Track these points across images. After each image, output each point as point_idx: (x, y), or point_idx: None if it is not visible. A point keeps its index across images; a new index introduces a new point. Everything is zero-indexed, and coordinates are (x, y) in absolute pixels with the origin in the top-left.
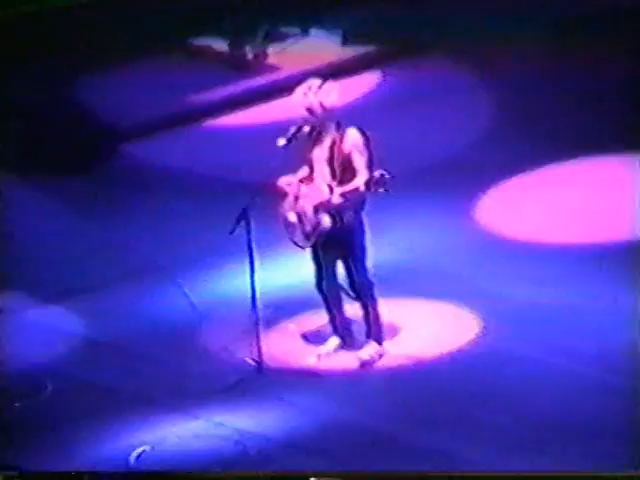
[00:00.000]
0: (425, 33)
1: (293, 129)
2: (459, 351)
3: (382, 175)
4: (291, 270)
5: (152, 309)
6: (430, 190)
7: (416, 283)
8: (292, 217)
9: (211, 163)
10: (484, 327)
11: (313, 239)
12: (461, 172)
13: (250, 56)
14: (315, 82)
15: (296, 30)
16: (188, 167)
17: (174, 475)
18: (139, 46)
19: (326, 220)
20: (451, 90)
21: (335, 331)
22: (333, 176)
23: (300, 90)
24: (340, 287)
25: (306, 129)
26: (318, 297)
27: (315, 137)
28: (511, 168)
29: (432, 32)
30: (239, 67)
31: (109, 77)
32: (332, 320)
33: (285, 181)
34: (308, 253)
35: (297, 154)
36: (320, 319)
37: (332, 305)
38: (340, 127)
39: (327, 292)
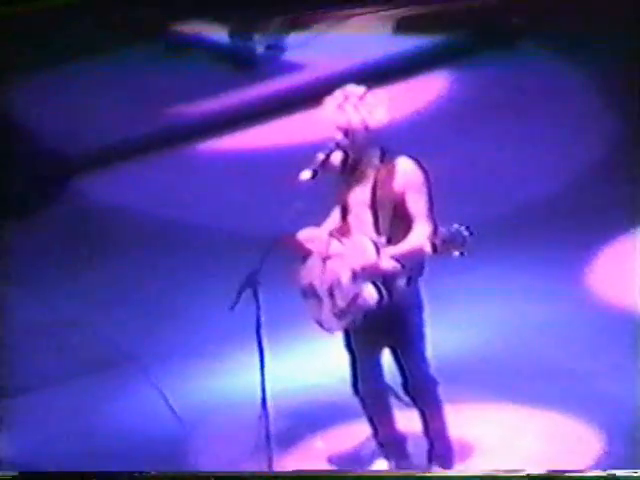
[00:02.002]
0: (511, 14)
1: (321, 157)
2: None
3: (457, 231)
4: (317, 363)
5: (115, 419)
6: (517, 247)
7: (498, 381)
8: (318, 287)
9: (203, 205)
10: (605, 445)
11: (348, 320)
12: (563, 221)
13: (260, 51)
14: (355, 90)
15: (326, 14)
16: (169, 211)
17: (174, 475)
18: (101, 37)
19: (370, 293)
20: (553, 100)
21: (382, 452)
22: (377, 228)
23: (332, 102)
24: (387, 388)
25: (338, 157)
26: (355, 402)
27: (350, 170)
28: (632, 215)
29: (522, 13)
30: (245, 67)
31: (51, 83)
32: (376, 436)
33: (308, 235)
34: (339, 339)
35: (326, 194)
36: (359, 434)
37: (375, 414)
38: (386, 156)
39: (367, 395)
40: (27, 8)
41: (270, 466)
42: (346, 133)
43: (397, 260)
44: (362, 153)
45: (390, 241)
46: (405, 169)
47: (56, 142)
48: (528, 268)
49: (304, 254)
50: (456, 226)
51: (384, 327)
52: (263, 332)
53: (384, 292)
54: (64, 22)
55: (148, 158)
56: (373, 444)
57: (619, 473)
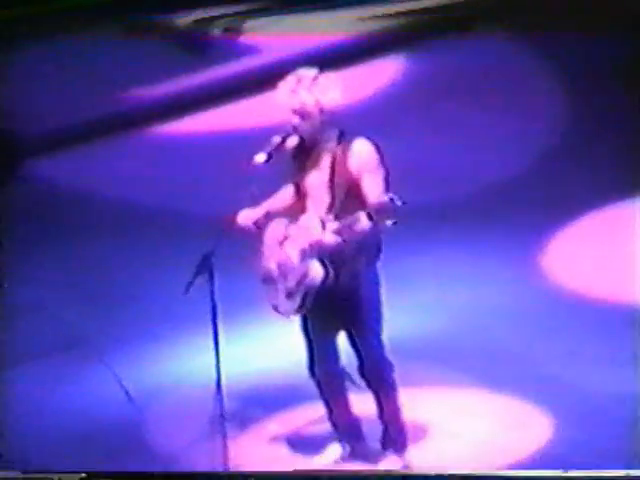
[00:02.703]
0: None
1: (276, 140)
2: (519, 463)
3: (391, 200)
4: (273, 345)
5: (70, 402)
6: (473, 231)
7: (453, 365)
8: (272, 268)
9: (159, 188)
10: (555, 427)
11: (299, 300)
12: (519, 205)
13: (216, 34)
14: (308, 73)
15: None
16: (123, 195)
17: (175, 475)
18: (58, 19)
19: (316, 270)
20: (506, 83)
21: (337, 435)
22: (331, 207)
23: (286, 85)
24: (343, 371)
25: (294, 140)
26: (311, 385)
27: (307, 152)
28: (588, 199)
29: None
30: (199, 50)
31: (7, 64)
32: (332, 419)
33: (252, 215)
34: (294, 322)
35: (282, 176)
36: (313, 416)
37: (331, 397)
38: (343, 137)
39: (323, 378)
40: None
41: (225, 448)
42: (301, 116)
43: (338, 233)
44: (318, 135)
45: (338, 218)
46: (361, 150)
47: (11, 124)
48: (483, 251)
49: (259, 239)
50: (390, 195)
51: (339, 308)
52: (218, 315)
53: (330, 269)
54: (21, 5)
55: (103, 141)
56: (328, 426)
57: (634, 473)
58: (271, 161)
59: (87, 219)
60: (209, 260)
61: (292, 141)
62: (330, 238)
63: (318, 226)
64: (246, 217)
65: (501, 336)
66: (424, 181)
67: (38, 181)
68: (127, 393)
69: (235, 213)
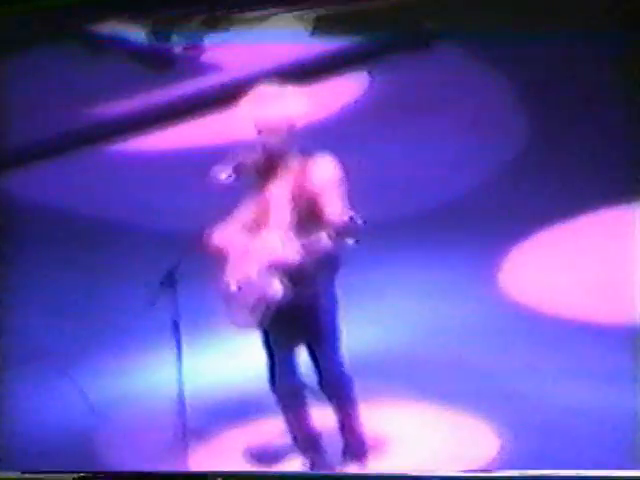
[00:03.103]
0: (427, 17)
1: (238, 157)
2: (469, 475)
3: (351, 219)
4: (235, 359)
5: (34, 415)
6: (431, 245)
7: (411, 379)
8: (233, 287)
9: (120, 203)
10: (503, 443)
11: (258, 316)
12: (477, 219)
13: (178, 50)
14: (270, 89)
15: (245, 14)
16: (88, 209)
17: (175, 475)
18: (19, 35)
19: (275, 287)
20: (463, 100)
21: (297, 447)
22: (291, 223)
23: (249, 99)
24: (303, 385)
25: (256, 154)
26: (272, 398)
27: (270, 166)
28: (546, 214)
29: (437, 15)
30: (162, 65)
31: None
32: (292, 432)
33: (223, 235)
34: (256, 336)
35: (243, 192)
36: (275, 430)
37: (291, 411)
38: (305, 153)
39: (283, 392)
40: None
41: (185, 461)
42: (264, 131)
43: (303, 252)
44: (279, 151)
45: (300, 236)
46: (321, 167)
47: None
48: (442, 266)
49: (222, 255)
50: (350, 214)
51: (299, 323)
52: (181, 328)
53: (289, 286)
54: None
55: (66, 156)
56: (288, 439)
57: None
58: (233, 176)
59: (51, 232)
60: (173, 274)
61: (254, 155)
62: (290, 256)
63: (279, 243)
64: (218, 237)
65: (460, 351)
66: (385, 196)
67: (1, 195)
68: (90, 405)
69: (199, 228)
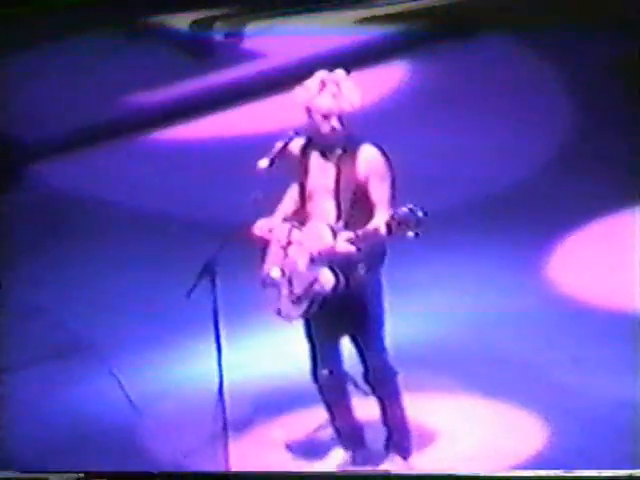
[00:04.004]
0: (472, 4)
1: (279, 145)
2: (518, 469)
3: (411, 211)
4: (274, 350)
5: (73, 406)
6: (478, 237)
7: (454, 372)
8: (275, 274)
9: (159, 193)
10: (548, 436)
11: (305, 306)
12: (525, 210)
13: (219, 38)
14: (333, 75)
15: (287, 1)
16: (126, 200)
17: (176, 475)
18: (60, 25)
19: (326, 277)
20: (513, 89)
21: (339, 440)
22: (339, 214)
23: (309, 85)
24: (346, 376)
25: (301, 141)
26: (313, 389)
27: (314, 154)
28: (593, 206)
29: (482, 5)
30: (202, 54)
31: (9, 69)
32: (334, 424)
33: (265, 225)
34: (296, 327)
35: (285, 182)
36: (316, 421)
37: (333, 402)
38: (350, 142)
39: (326, 383)
40: None
41: (226, 454)
42: (315, 118)
43: (353, 243)
44: (326, 138)
45: (348, 226)
46: (368, 156)
47: (14, 129)
48: (488, 258)
49: (263, 245)
50: (410, 206)
51: (344, 314)
52: (220, 320)
53: (341, 276)
54: (24, 9)
55: (105, 146)
56: (330, 431)
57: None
58: (275, 166)
59: (90, 224)
60: (212, 265)
61: (298, 142)
62: (343, 247)
63: (328, 234)
64: (261, 227)
65: (504, 343)
66: (427, 189)
67: (41, 186)
68: (129, 398)
69: (239, 218)
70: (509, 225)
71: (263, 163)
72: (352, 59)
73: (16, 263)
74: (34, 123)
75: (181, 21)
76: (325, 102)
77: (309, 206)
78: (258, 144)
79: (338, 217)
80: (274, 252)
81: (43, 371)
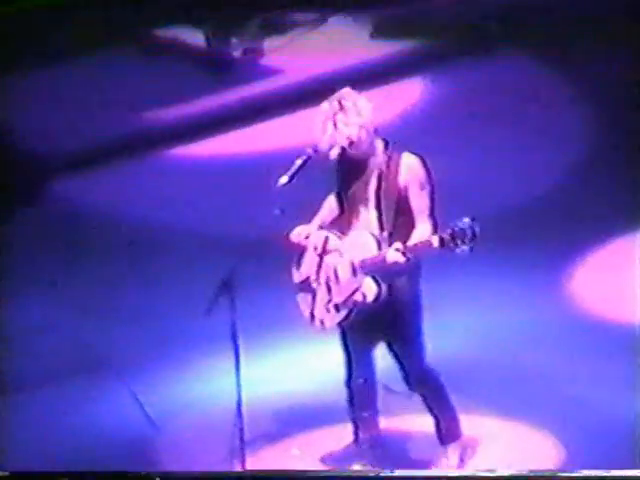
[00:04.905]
0: (491, 19)
1: (298, 162)
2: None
3: (469, 225)
4: (293, 367)
5: (90, 423)
6: (494, 251)
7: (474, 387)
8: (313, 282)
9: (177, 210)
10: (566, 450)
11: (343, 315)
12: (546, 226)
13: (237, 53)
14: (349, 93)
15: (304, 17)
16: (144, 216)
17: (175, 475)
18: (79, 40)
19: (369, 287)
20: (528, 106)
21: (360, 452)
22: (380, 223)
23: (329, 104)
24: (376, 384)
25: (336, 151)
26: (331, 406)
27: (352, 163)
28: (613, 221)
29: (501, 18)
30: (220, 70)
31: (29, 85)
32: (358, 435)
33: (303, 232)
34: (317, 343)
35: (304, 198)
36: (332, 438)
37: (361, 409)
38: (389, 149)
39: (359, 391)
40: (3, 9)
41: (244, 469)
42: (344, 133)
43: (404, 254)
44: (362, 148)
45: (391, 236)
46: (409, 165)
47: (34, 144)
48: (511, 273)
49: (300, 251)
50: (467, 220)
51: (381, 322)
52: (239, 336)
53: (383, 286)
54: (42, 24)
55: (123, 162)
56: (351, 448)
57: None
58: (294, 183)
59: (109, 240)
60: (230, 281)
61: (335, 151)
62: (394, 257)
63: (373, 244)
64: (299, 234)
65: (526, 358)
66: (448, 203)
67: (58, 200)
68: (147, 415)
69: (257, 234)
70: (525, 241)
71: (283, 180)
72: (369, 75)
73: (34, 278)
74: (52, 139)
75: (199, 37)
76: (349, 116)
77: (349, 215)
78: (276, 161)
79: (380, 226)
80: (310, 259)
81: (61, 388)
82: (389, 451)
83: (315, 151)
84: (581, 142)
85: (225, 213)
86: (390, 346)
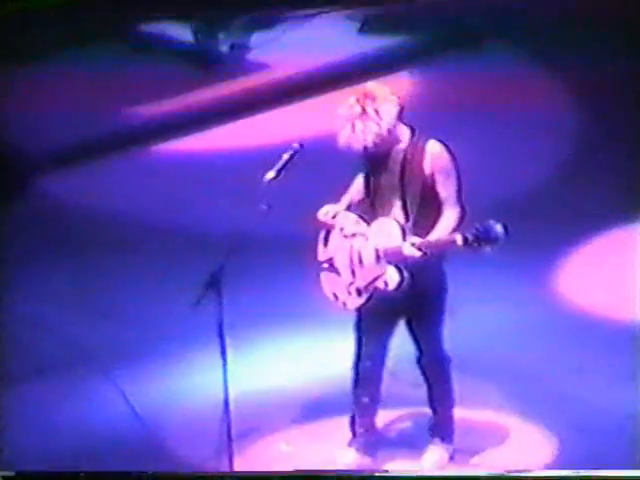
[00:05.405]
0: (475, 15)
1: (286, 156)
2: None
3: (492, 227)
4: (280, 362)
5: (76, 419)
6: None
7: (463, 382)
8: (338, 263)
9: (164, 205)
10: (556, 446)
11: (364, 299)
12: (532, 223)
13: (224, 49)
14: (364, 86)
15: (291, 13)
16: (131, 211)
17: (175, 475)
18: (64, 36)
19: (392, 275)
20: (512, 100)
21: (354, 439)
22: (405, 210)
23: (347, 99)
24: (382, 371)
25: (360, 140)
26: (319, 401)
27: (378, 149)
28: (603, 216)
29: (485, 14)
30: (209, 66)
31: (12, 82)
32: (355, 422)
33: (331, 211)
34: (304, 338)
35: (291, 193)
36: (319, 434)
37: (363, 395)
38: (416, 136)
39: (364, 375)
40: None
41: (231, 466)
42: (366, 127)
43: (420, 249)
44: (386, 136)
45: (416, 225)
46: (434, 152)
47: (19, 140)
48: (494, 270)
49: (326, 230)
50: (491, 222)
51: (404, 302)
52: (226, 332)
53: (406, 275)
54: (26, 22)
55: (110, 158)
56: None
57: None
58: (280, 178)
59: (94, 236)
60: (218, 276)
61: (358, 140)
62: (409, 251)
63: (398, 233)
64: (326, 212)
65: (515, 355)
66: None
67: (44, 197)
68: (133, 409)
69: (245, 230)
70: (513, 237)
71: (270, 175)
72: (356, 71)
73: (20, 274)
74: (39, 135)
75: (187, 32)
76: (364, 110)
77: (375, 200)
78: (263, 156)
79: (406, 214)
80: (337, 239)
81: (47, 383)
82: (383, 441)
83: (302, 146)
84: (569, 139)
85: (212, 208)
86: (410, 325)
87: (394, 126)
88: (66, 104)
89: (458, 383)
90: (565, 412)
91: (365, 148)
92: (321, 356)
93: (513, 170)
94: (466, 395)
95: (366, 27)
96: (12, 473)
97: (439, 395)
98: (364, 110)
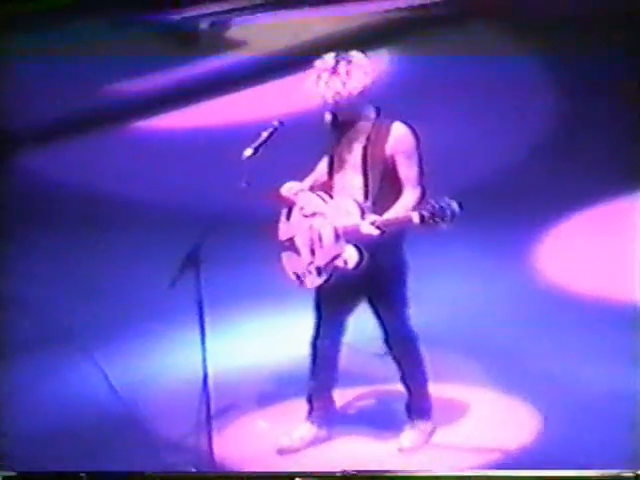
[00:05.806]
0: None
1: (264, 134)
2: (507, 459)
3: (448, 205)
4: (259, 340)
5: (55, 397)
6: (466, 225)
7: (441, 360)
8: (298, 242)
9: (143, 183)
10: (545, 426)
11: (324, 278)
12: (511, 199)
13: (204, 26)
14: (330, 60)
15: None
16: (110, 189)
17: (174, 475)
18: (41, 13)
19: (350, 255)
20: (493, 76)
21: (310, 414)
22: (366, 190)
23: (314, 71)
24: (340, 350)
25: (328, 117)
26: (297, 380)
27: (342, 127)
28: (586, 193)
29: None
30: (188, 43)
31: None
32: (312, 392)
33: (294, 188)
34: (282, 315)
35: (269, 171)
36: (299, 412)
37: (322, 371)
38: (380, 116)
39: (322, 353)
40: None
41: (210, 444)
42: (332, 99)
43: (378, 227)
44: (352, 113)
45: (376, 204)
46: (398, 134)
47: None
48: (474, 246)
49: (288, 206)
50: (447, 199)
51: (364, 283)
52: (205, 309)
53: (365, 254)
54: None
55: (90, 135)
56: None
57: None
58: (258, 155)
59: (74, 214)
60: (196, 254)
61: (327, 116)
62: (367, 229)
63: (356, 211)
64: (289, 188)
65: (491, 331)
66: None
67: (23, 174)
68: (112, 387)
69: (223, 208)
70: (498, 213)
71: (247, 152)
72: (337, 48)
73: None
74: (19, 112)
75: (167, 8)
76: (331, 84)
77: (336, 179)
78: (242, 133)
79: (366, 194)
80: (297, 218)
81: (26, 362)
82: (341, 417)
83: (281, 123)
84: (553, 113)
85: (192, 185)
86: (372, 304)
87: (359, 98)
88: (46, 81)
89: (432, 360)
90: (544, 388)
91: (335, 103)
92: (300, 333)
93: (497, 147)
94: (441, 372)
95: (347, 3)
96: (13, 473)
97: (410, 373)
98: (336, 66)
